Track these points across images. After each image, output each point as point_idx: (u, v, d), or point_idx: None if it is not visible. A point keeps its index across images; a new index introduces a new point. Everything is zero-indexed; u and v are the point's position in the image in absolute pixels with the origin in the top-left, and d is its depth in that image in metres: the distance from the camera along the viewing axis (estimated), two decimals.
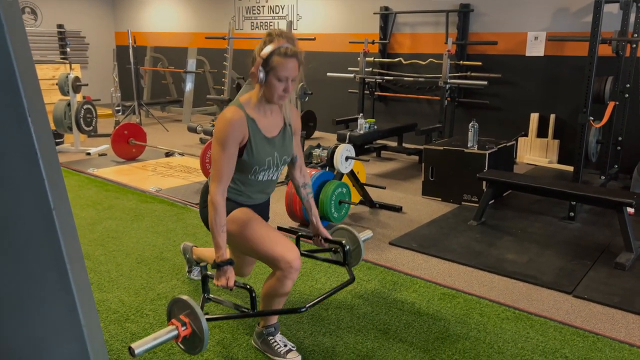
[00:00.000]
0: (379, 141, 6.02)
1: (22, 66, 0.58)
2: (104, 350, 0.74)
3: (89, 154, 5.95)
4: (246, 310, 1.97)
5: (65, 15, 9.68)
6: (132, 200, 4.30)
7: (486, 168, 4.18)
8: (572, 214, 3.89)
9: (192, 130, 6.36)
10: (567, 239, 3.55)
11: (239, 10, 8.56)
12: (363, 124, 5.20)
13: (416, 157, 5.92)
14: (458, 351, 2.23)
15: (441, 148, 4.44)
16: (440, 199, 4.47)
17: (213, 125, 6.16)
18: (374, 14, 6.87)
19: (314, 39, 6.31)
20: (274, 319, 2.19)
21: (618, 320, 2.52)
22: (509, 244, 3.45)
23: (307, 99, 6.59)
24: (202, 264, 2.77)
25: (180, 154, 5.98)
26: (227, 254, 1.97)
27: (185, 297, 1.87)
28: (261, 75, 1.91)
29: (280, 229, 3.65)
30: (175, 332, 1.82)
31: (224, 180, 1.96)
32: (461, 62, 6.13)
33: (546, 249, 3.36)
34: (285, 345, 2.16)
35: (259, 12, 8.29)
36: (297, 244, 2.38)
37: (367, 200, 4.19)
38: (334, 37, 7.31)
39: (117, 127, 5.67)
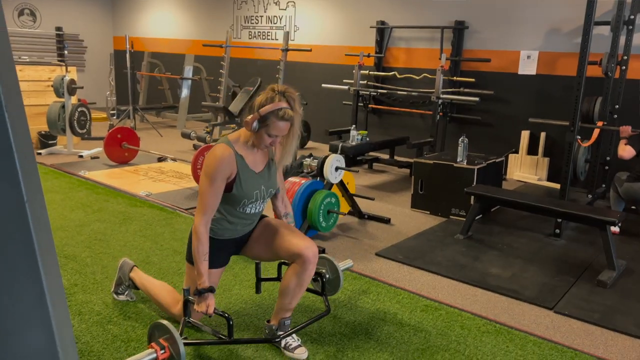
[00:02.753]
0: (371, 153, 6.06)
1: (0, 59, 0.61)
2: (73, 344, 0.75)
3: (81, 156, 5.96)
4: (224, 337, 2.09)
5: (64, 18, 9.73)
6: (121, 203, 4.31)
7: (474, 183, 4.22)
8: (557, 230, 3.93)
9: (186, 136, 6.38)
10: (552, 256, 3.59)
11: (237, 19, 8.64)
12: (355, 136, 5.25)
13: (407, 170, 5.97)
14: None
15: (431, 162, 4.48)
16: (428, 212, 4.50)
17: (207, 132, 6.19)
18: (371, 27, 6.95)
19: (310, 50, 6.38)
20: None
21: (597, 337, 2.55)
22: (493, 259, 3.48)
23: (302, 109, 6.65)
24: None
25: (172, 159, 6.00)
26: (208, 281, 2.09)
27: (165, 322, 1.97)
28: (254, 125, 2.03)
29: None
30: (154, 355, 1.90)
31: (209, 212, 2.08)
32: (454, 77, 6.21)
33: (530, 265, 3.39)
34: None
35: (257, 21, 8.36)
36: (279, 270, 2.44)
37: (356, 211, 4.22)
38: (330, 49, 7.38)
39: (110, 131, 5.68)
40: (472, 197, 4.02)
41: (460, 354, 2.31)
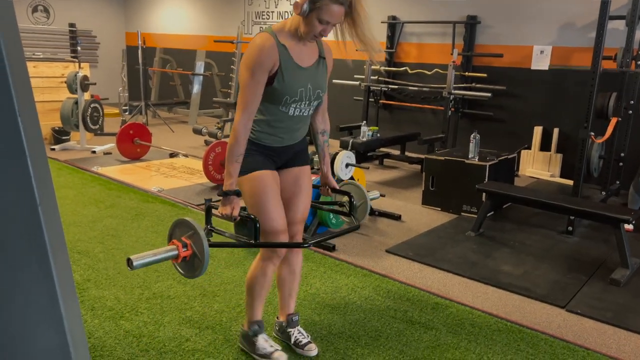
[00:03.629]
0: (381, 149, 6.05)
1: (14, 64, 0.62)
2: (85, 342, 0.76)
3: (94, 152, 6.01)
4: (248, 240, 1.93)
5: (78, 14, 9.79)
6: (133, 199, 4.34)
7: (486, 179, 4.20)
8: (570, 228, 3.89)
9: (198, 132, 6.42)
10: (564, 253, 3.56)
11: (248, 15, 8.64)
12: (366, 132, 5.23)
13: (418, 166, 5.94)
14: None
15: (442, 158, 4.45)
16: (439, 209, 4.48)
17: (219, 128, 6.21)
18: (382, 22, 6.91)
19: None
20: (258, 315, 2.18)
21: (609, 336, 2.52)
22: (505, 256, 3.45)
23: None
24: None
25: (184, 155, 6.03)
26: (235, 184, 1.94)
27: (189, 219, 1.84)
28: (305, 7, 1.80)
29: None
30: (175, 252, 1.80)
31: (249, 108, 1.88)
32: (466, 73, 6.16)
33: (542, 262, 3.37)
34: (272, 346, 2.18)
35: (268, 17, 8.36)
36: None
37: None
38: (341, 45, 7.34)
39: (122, 127, 5.72)
40: (484, 194, 4.00)
41: (470, 352, 2.31)
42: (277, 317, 2.32)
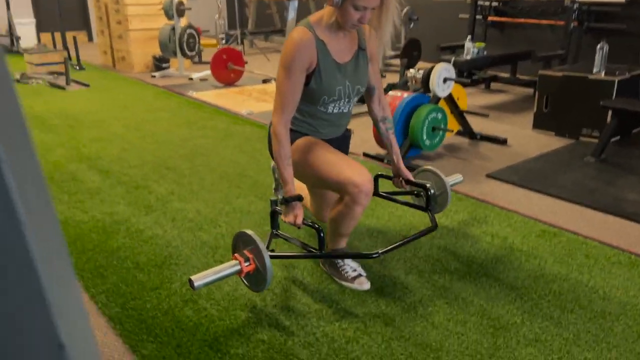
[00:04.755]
0: (489, 72, 5.45)
1: None
2: (90, 338, 0.61)
3: (191, 78, 6.09)
4: (314, 251, 1.84)
5: None
6: (224, 121, 4.31)
7: (614, 98, 3.57)
8: None
9: None
10: None
11: None
12: (471, 48, 4.70)
13: (531, 90, 5.29)
14: (552, 292, 1.92)
15: (560, 74, 3.86)
16: (553, 133, 3.94)
17: None
18: None
19: None
20: (343, 243, 2.03)
21: None
22: (631, 183, 2.94)
23: (412, 25, 6.14)
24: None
25: None
26: (295, 189, 1.83)
27: (249, 232, 1.75)
28: None
29: (365, 155, 3.44)
30: (238, 267, 1.73)
31: (288, 109, 1.79)
32: None
33: None
34: (355, 270, 1.99)
35: None
36: (375, 185, 2.19)
37: (466, 130, 3.81)
38: None
39: (216, 51, 5.69)
40: (610, 113, 3.41)
41: (582, 285, 1.96)
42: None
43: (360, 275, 1.98)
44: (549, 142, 3.78)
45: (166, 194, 2.82)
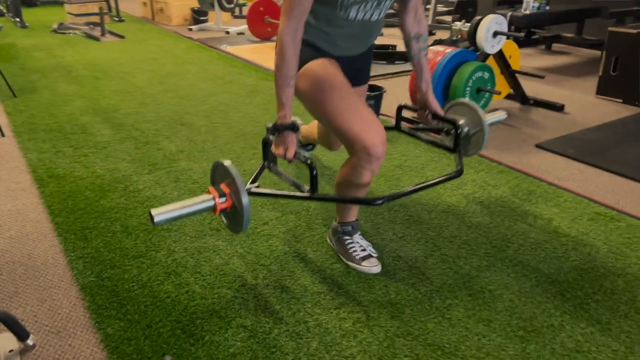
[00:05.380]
0: (550, 30, 4.88)
1: None
2: None
3: (228, 32, 5.83)
4: (304, 192, 1.50)
5: None
6: (253, 77, 4.04)
7: None
8: None
9: None
10: None
11: None
12: (530, 3, 4.16)
13: (598, 52, 4.71)
14: (603, 290, 1.58)
15: (634, 31, 3.33)
16: (620, 100, 3.44)
17: None
18: None
19: None
20: (353, 216, 1.74)
21: None
22: None
23: None
24: (308, 146, 2.40)
25: None
26: (290, 115, 1.47)
27: (227, 163, 1.45)
28: None
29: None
30: (211, 203, 1.43)
31: (297, 13, 1.38)
32: None
33: None
34: (364, 250, 1.71)
35: None
36: (398, 117, 1.86)
37: (517, 94, 3.37)
38: None
39: (252, 3, 5.37)
40: None
41: None
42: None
43: (370, 255, 1.70)
44: (614, 111, 3.30)
45: (175, 151, 2.61)
